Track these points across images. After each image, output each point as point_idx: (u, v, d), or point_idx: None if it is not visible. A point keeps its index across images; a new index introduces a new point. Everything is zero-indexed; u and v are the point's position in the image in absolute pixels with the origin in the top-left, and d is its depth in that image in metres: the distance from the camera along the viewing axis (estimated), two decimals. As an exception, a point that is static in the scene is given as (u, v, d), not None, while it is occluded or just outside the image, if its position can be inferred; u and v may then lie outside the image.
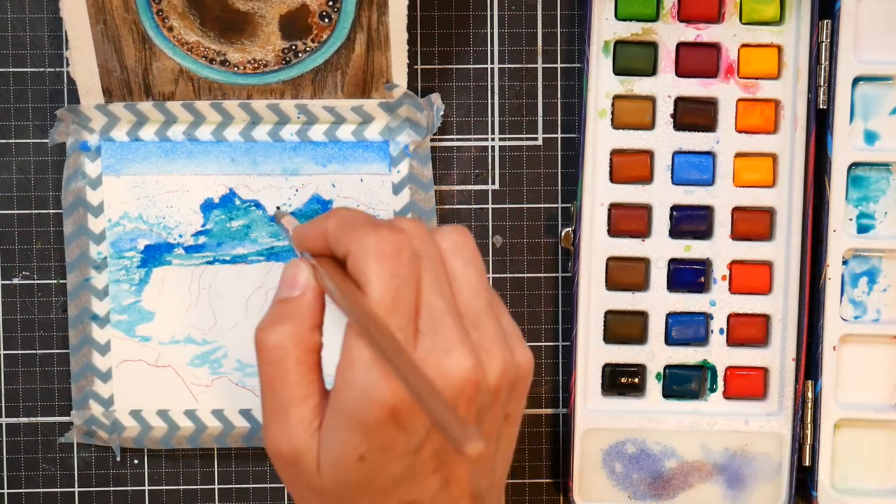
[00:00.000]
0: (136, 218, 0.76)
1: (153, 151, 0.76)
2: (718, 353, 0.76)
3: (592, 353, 0.76)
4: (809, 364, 0.76)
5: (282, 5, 0.73)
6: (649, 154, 0.76)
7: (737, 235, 0.76)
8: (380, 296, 0.58)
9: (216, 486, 0.78)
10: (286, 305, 0.61)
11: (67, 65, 0.75)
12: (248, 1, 0.73)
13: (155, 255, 0.76)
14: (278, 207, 0.75)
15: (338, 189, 0.76)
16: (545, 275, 0.77)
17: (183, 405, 0.77)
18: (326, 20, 0.73)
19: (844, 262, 0.76)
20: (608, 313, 0.76)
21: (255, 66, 0.74)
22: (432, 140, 0.77)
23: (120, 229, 0.76)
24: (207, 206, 0.76)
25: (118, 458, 0.77)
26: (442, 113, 0.76)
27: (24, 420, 0.77)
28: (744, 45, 0.75)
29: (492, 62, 0.77)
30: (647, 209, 0.76)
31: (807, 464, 0.76)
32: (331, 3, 0.72)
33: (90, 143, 0.76)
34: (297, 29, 0.74)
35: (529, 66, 0.77)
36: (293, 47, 0.73)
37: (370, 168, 0.76)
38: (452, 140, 0.77)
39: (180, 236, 0.76)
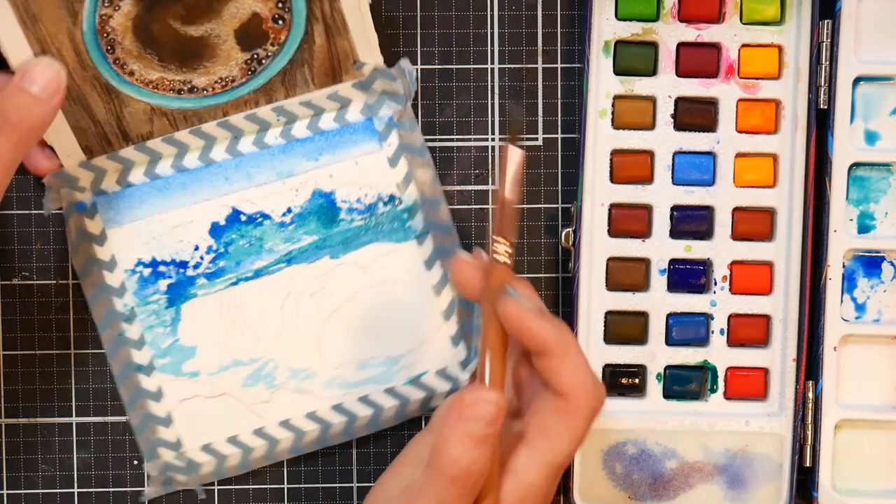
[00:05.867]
0: (151, 261, 0.76)
1: (147, 193, 0.76)
2: (719, 354, 0.76)
3: (593, 353, 0.76)
4: (810, 364, 0.76)
5: (233, 20, 0.73)
6: (649, 154, 0.76)
7: (737, 236, 0.76)
8: (563, 448, 0.67)
9: (216, 487, 0.78)
10: (480, 445, 0.65)
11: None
12: (200, 25, 0.73)
13: (179, 291, 0.76)
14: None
15: (336, 178, 0.76)
16: (545, 275, 0.77)
17: (250, 426, 0.76)
18: (280, 22, 0.73)
19: (845, 263, 0.76)
20: (608, 314, 0.76)
21: (223, 84, 0.74)
22: (431, 140, 0.77)
23: (138, 276, 0.76)
24: (216, 230, 0.76)
25: (202, 497, 0.77)
26: (416, 76, 0.76)
27: (24, 420, 0.77)
28: (744, 45, 0.75)
29: (492, 62, 0.77)
30: (647, 209, 0.76)
31: (807, 464, 0.76)
32: (280, 5, 0.72)
33: (85, 202, 0.75)
34: (253, 38, 0.73)
35: (529, 66, 0.77)
36: (255, 56, 0.73)
37: (361, 149, 0.76)
38: (452, 140, 0.77)
39: (198, 266, 0.76)
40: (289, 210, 0.76)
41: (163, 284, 0.76)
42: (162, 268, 0.76)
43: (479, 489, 0.66)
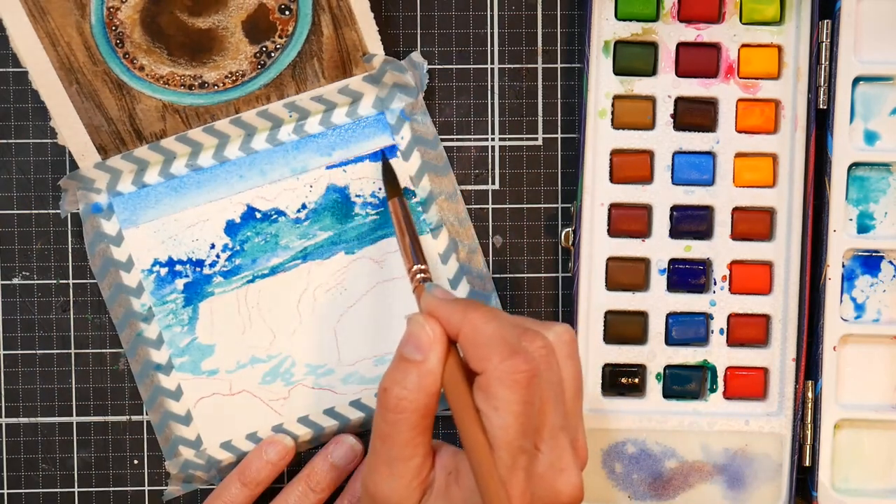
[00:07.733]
0: (167, 261, 0.76)
1: (163, 193, 0.76)
2: (718, 354, 0.76)
3: (592, 353, 0.76)
4: (809, 364, 0.76)
5: (240, 11, 0.73)
6: (649, 154, 0.76)
7: (737, 235, 0.76)
8: (507, 423, 0.63)
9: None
10: (409, 369, 0.65)
11: (54, 136, 0.76)
12: (207, 17, 0.73)
13: (196, 290, 0.76)
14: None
15: (350, 173, 0.76)
16: (545, 275, 0.77)
17: (268, 423, 0.77)
18: (287, 12, 0.73)
19: (844, 263, 0.76)
20: (608, 313, 0.76)
21: (234, 78, 0.74)
22: (432, 140, 0.77)
23: (155, 276, 0.76)
24: (231, 228, 0.76)
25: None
26: (427, 68, 0.76)
27: (24, 420, 0.77)
28: (744, 45, 0.75)
29: (492, 62, 0.77)
30: (647, 209, 0.76)
31: (807, 464, 0.76)
32: None
33: (101, 203, 0.76)
34: (261, 30, 0.73)
35: (529, 66, 0.77)
36: (264, 49, 0.73)
37: (374, 143, 0.76)
38: (452, 140, 0.77)
39: (214, 264, 0.76)
40: (303, 206, 0.76)
41: (180, 283, 0.76)
42: (178, 267, 0.76)
43: (416, 422, 0.65)
